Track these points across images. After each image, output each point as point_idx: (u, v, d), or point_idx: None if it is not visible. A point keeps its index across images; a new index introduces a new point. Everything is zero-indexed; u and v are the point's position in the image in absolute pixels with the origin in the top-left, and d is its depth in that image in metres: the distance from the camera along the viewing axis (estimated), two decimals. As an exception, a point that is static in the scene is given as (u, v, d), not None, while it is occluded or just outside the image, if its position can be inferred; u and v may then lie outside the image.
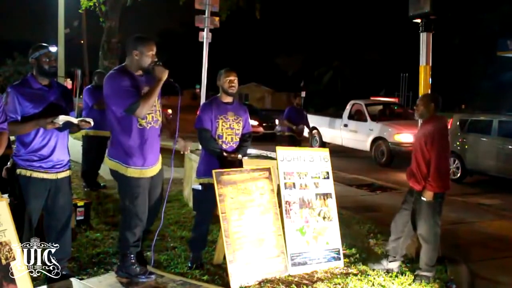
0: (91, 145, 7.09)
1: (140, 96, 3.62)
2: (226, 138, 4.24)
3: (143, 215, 3.81)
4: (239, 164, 4.35)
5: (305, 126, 9.74)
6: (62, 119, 3.47)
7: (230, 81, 4.23)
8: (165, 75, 3.63)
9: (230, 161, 4.21)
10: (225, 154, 4.19)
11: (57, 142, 3.67)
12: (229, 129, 4.26)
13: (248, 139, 4.42)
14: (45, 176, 3.63)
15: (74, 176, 7.66)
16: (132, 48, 3.67)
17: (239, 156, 4.32)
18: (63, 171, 3.73)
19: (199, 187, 4.25)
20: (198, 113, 4.25)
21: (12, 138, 3.95)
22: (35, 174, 3.59)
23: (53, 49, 3.65)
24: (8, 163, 3.70)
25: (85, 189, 7.18)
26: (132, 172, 3.72)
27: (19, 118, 3.51)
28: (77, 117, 3.69)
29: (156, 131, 3.81)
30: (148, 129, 3.73)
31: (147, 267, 4.01)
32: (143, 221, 3.82)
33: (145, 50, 3.66)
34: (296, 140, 9.39)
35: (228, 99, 4.32)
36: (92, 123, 3.62)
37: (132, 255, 3.84)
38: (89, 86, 7.40)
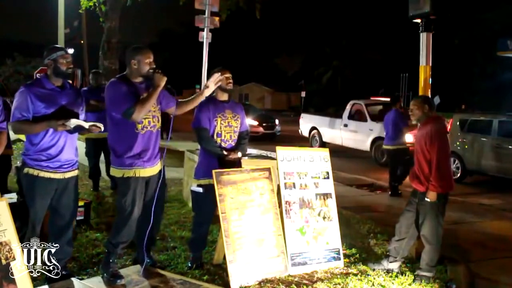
0: (90, 148, 7.07)
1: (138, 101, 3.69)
2: (225, 136, 4.24)
3: (136, 216, 3.82)
4: (239, 163, 4.35)
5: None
6: (73, 122, 3.48)
7: (227, 78, 4.26)
8: (163, 82, 3.73)
9: (231, 160, 4.21)
10: (225, 153, 4.19)
11: (66, 142, 3.67)
12: (228, 127, 4.26)
13: (246, 137, 4.42)
14: (52, 175, 3.63)
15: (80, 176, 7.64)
16: (130, 58, 3.79)
17: (239, 154, 4.32)
18: (70, 171, 3.73)
19: (200, 189, 4.21)
20: (195, 112, 4.24)
21: (13, 137, 3.96)
22: (42, 174, 3.59)
23: (70, 51, 3.67)
24: (18, 162, 3.70)
25: (91, 189, 7.18)
26: (127, 173, 3.75)
27: (30, 117, 3.52)
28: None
29: (152, 135, 3.84)
30: (144, 133, 3.77)
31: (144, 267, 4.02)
32: (135, 222, 3.84)
33: (143, 58, 3.77)
34: (401, 156, 7.92)
35: (224, 97, 4.33)
36: (102, 128, 3.64)
37: (111, 254, 3.86)
38: (84, 88, 7.25)
